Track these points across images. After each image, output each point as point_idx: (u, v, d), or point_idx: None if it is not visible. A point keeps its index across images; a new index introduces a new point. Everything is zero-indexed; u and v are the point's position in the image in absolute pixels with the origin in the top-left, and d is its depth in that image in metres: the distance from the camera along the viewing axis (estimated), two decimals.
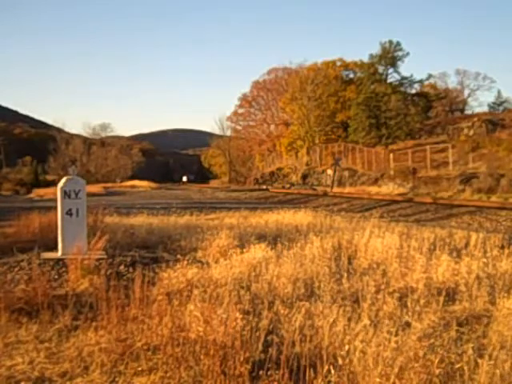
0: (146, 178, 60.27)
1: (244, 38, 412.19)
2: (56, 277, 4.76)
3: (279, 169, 49.94)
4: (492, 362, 2.44)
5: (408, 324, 3.09)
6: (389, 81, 46.26)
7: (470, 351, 2.56)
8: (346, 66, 55.08)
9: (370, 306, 3.41)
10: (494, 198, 16.80)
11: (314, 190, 28.96)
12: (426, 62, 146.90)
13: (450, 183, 21.57)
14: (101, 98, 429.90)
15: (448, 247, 5.36)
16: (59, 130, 76.06)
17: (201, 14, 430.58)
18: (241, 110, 67.90)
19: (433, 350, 2.53)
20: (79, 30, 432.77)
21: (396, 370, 2.32)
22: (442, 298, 3.69)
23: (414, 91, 48.03)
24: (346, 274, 4.34)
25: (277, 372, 2.40)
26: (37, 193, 30.58)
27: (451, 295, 4.02)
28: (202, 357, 2.68)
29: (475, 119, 39.31)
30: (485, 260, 4.83)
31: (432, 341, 2.71)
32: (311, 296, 3.85)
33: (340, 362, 2.42)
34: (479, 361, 2.45)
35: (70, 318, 3.55)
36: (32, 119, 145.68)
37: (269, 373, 2.41)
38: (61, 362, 2.86)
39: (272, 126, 65.99)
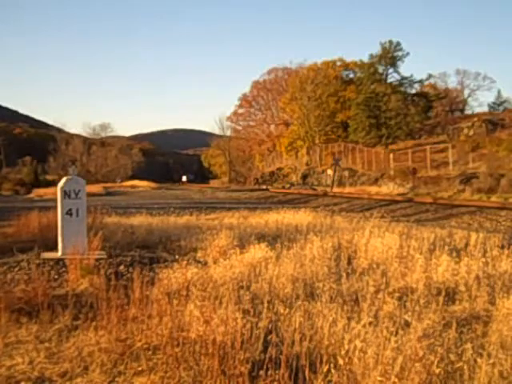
0: (146, 177, 60.38)
1: (244, 38, 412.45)
2: (56, 277, 4.76)
3: (279, 169, 49.97)
4: (491, 362, 2.44)
5: (408, 324, 3.09)
6: (389, 81, 46.27)
7: (470, 351, 2.56)
8: (346, 66, 55.08)
9: (369, 306, 3.41)
10: (493, 198, 16.80)
11: (314, 190, 28.97)
12: (426, 62, 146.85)
13: (450, 183, 21.58)
14: (101, 98, 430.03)
15: (448, 247, 5.35)
16: (59, 130, 76.27)
17: (201, 14, 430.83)
18: (241, 110, 67.99)
19: (433, 350, 2.53)
20: (79, 30, 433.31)
21: (396, 369, 2.32)
22: (441, 298, 3.69)
23: (414, 91, 48.04)
24: (345, 274, 4.34)
25: (277, 372, 2.40)
26: (37, 193, 30.59)
27: (451, 295, 4.02)
28: (201, 357, 2.68)
29: (475, 119, 39.32)
30: (484, 260, 4.82)
31: (432, 340, 2.70)
32: (311, 296, 3.85)
33: (340, 361, 2.42)
34: (479, 360, 2.45)
35: (70, 318, 3.55)
36: (32, 119, 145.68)
37: (269, 373, 2.41)
38: (61, 362, 2.86)
39: (272, 126, 66.06)
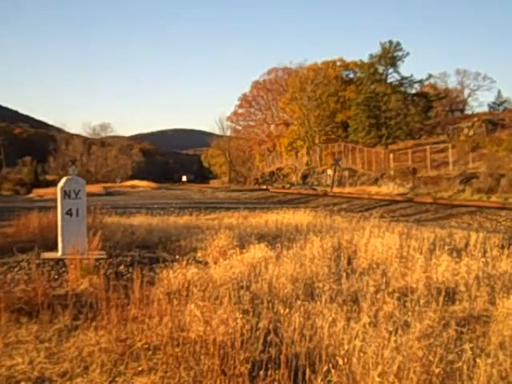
0: (146, 177, 60.39)
1: (244, 38, 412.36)
2: (56, 277, 4.76)
3: (279, 169, 49.98)
4: (490, 362, 2.44)
5: (407, 324, 3.09)
6: (389, 81, 46.20)
7: (469, 351, 2.56)
8: (346, 65, 55.04)
9: (369, 306, 3.41)
10: (494, 198, 16.80)
11: (314, 189, 28.96)
12: (426, 62, 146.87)
13: (450, 183, 21.57)
14: (101, 98, 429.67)
15: (448, 247, 5.35)
16: (59, 130, 76.36)
17: (201, 14, 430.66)
18: (241, 110, 67.96)
19: (432, 350, 2.53)
20: (79, 30, 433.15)
21: (395, 369, 2.33)
22: (441, 298, 3.69)
23: (414, 91, 47.96)
24: (345, 274, 4.34)
25: (276, 372, 2.40)
26: (37, 193, 30.60)
27: (451, 295, 4.02)
28: (201, 357, 2.68)
29: (475, 119, 39.31)
30: (484, 260, 4.82)
31: (431, 340, 2.71)
32: (311, 296, 3.85)
33: (339, 361, 2.42)
34: (478, 360, 2.45)
35: (69, 318, 3.55)
36: (32, 119, 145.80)
37: (268, 373, 2.41)
38: (61, 362, 2.87)
39: (272, 126, 66.02)
